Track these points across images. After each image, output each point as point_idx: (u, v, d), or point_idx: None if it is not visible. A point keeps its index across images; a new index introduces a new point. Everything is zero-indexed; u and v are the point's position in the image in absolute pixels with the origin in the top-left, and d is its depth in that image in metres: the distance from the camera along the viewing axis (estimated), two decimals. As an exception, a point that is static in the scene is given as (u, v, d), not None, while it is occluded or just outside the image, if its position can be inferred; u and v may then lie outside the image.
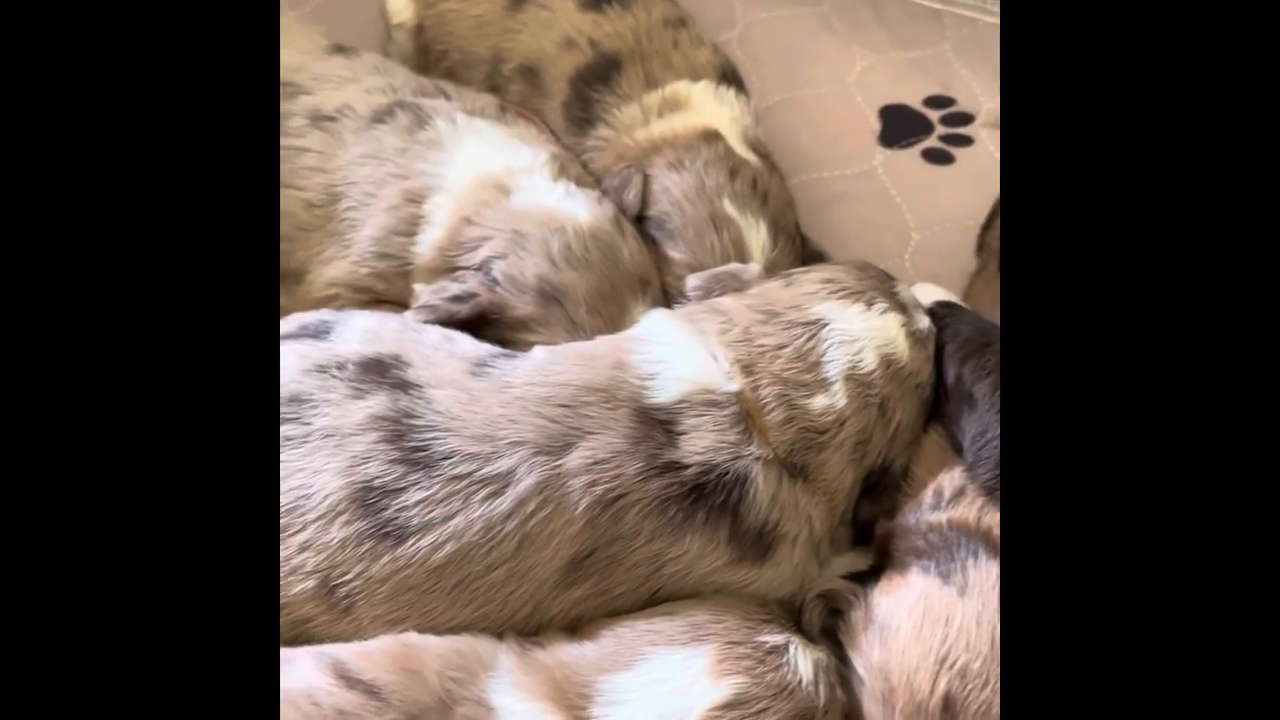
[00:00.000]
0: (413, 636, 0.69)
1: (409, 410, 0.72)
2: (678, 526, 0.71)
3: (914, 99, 1.22)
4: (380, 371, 0.74)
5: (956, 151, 1.17)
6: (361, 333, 0.78)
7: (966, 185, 1.14)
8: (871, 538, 0.81)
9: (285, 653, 0.68)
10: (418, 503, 0.70)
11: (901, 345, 0.80)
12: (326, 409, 0.72)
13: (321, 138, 0.94)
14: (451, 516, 0.69)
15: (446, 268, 0.89)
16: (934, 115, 1.21)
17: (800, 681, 0.68)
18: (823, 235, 1.08)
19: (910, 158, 1.17)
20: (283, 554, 0.70)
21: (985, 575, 0.67)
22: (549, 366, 0.75)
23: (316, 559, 0.70)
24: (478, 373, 0.75)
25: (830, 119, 1.22)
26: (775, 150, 1.06)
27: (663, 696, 0.65)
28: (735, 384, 0.75)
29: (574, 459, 0.70)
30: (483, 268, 0.87)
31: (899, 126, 1.20)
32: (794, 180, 1.11)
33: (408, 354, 0.76)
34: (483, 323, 0.85)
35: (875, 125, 1.21)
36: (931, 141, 1.18)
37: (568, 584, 0.71)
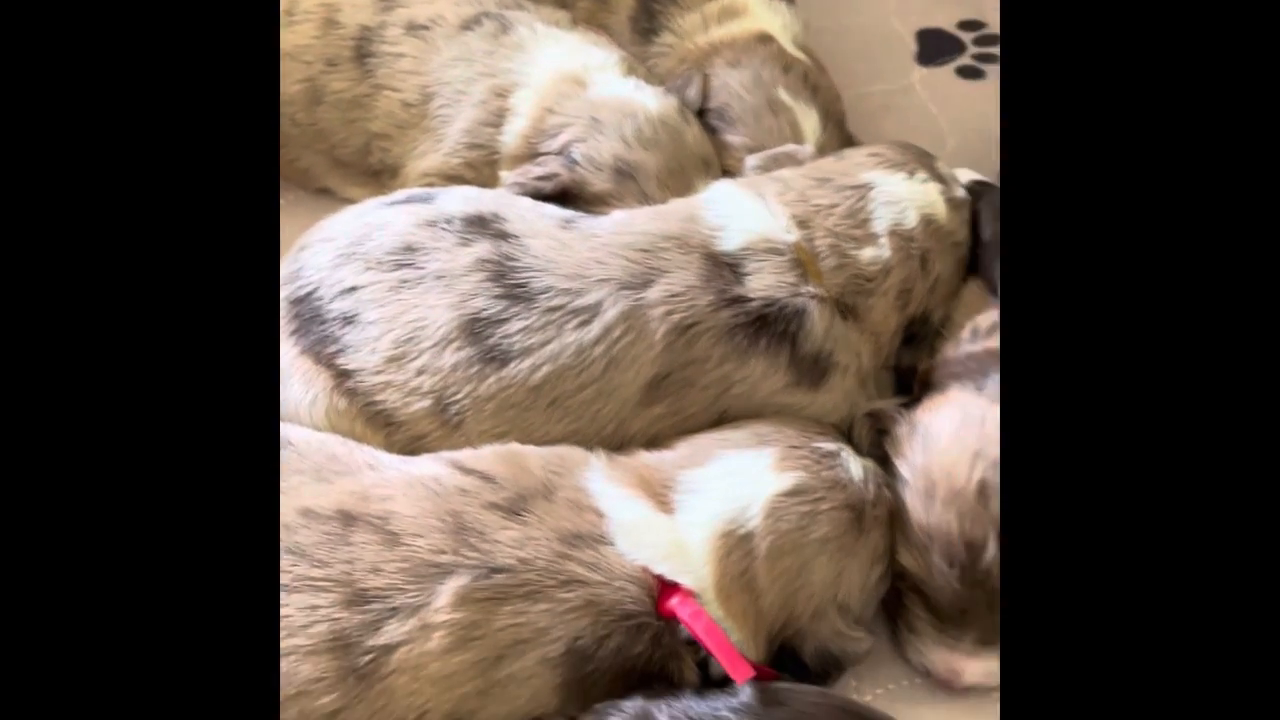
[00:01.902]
0: (516, 445, 0.79)
1: (509, 254, 0.83)
2: (744, 351, 0.81)
3: (948, 23, 1.32)
4: (482, 225, 0.85)
5: (987, 68, 1.26)
6: (463, 198, 0.89)
7: (995, 98, 1.23)
8: (913, 388, 0.91)
9: (407, 458, 0.79)
10: (518, 331, 0.80)
11: (940, 208, 0.90)
12: (438, 255, 0.83)
13: (416, 44, 1.05)
14: (548, 342, 0.80)
15: (530, 154, 1.00)
16: (966, 37, 1.30)
17: (852, 479, 0.78)
18: (867, 142, 1.18)
19: (945, 74, 1.27)
20: (401, 378, 0.81)
21: (1015, 386, 0.77)
22: (629, 220, 0.86)
23: (431, 381, 0.81)
24: (567, 226, 0.86)
25: (871, 42, 1.31)
26: (824, 70, 1.16)
27: (733, 485, 0.76)
28: (793, 236, 0.85)
29: (653, 292, 0.81)
30: (563, 151, 0.97)
31: (934, 47, 1.29)
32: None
33: (505, 212, 0.86)
34: (564, 199, 0.96)
35: (913, 47, 1.30)
36: (964, 60, 1.27)
37: (647, 403, 0.81)
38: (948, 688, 0.80)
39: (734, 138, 1.02)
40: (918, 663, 0.81)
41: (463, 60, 1.03)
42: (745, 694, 0.67)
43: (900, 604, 0.82)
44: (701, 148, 0.99)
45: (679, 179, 0.96)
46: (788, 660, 0.76)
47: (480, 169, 1.02)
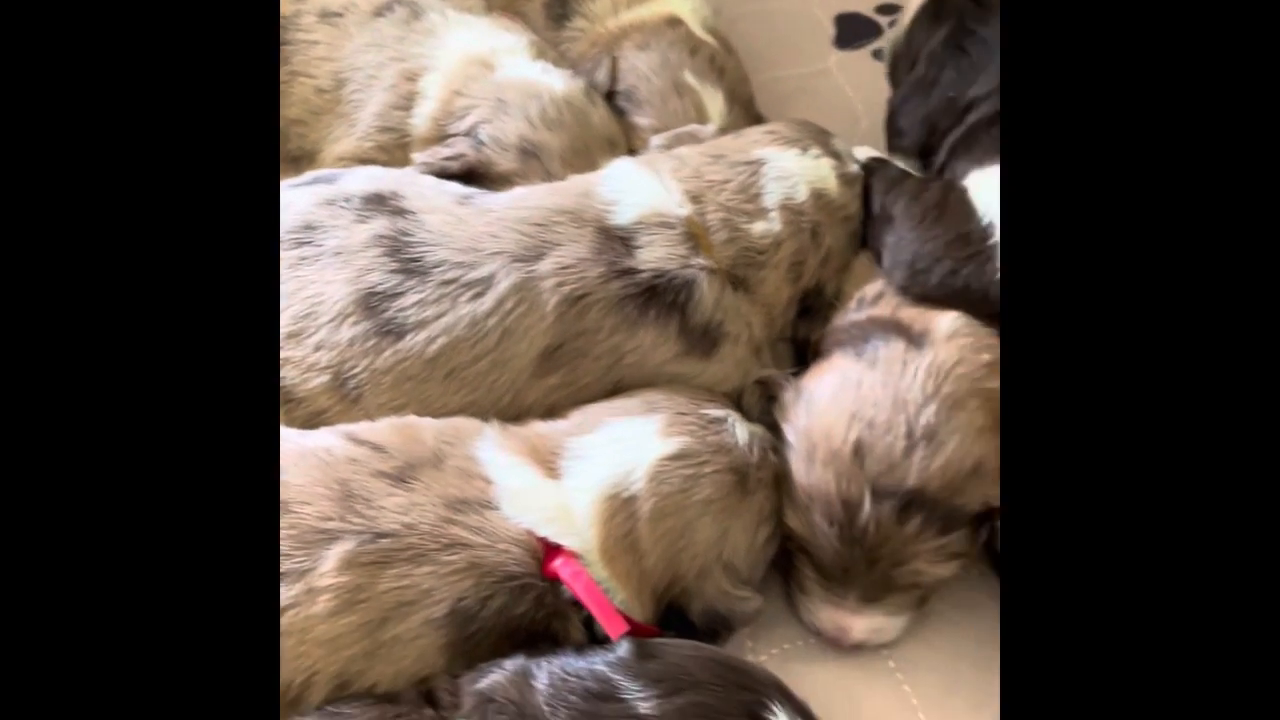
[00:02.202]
0: (412, 417, 0.81)
1: (405, 230, 0.84)
2: (634, 322, 0.83)
3: (866, 7, 1.35)
4: (380, 202, 0.86)
5: (903, 51, 1.29)
6: (365, 177, 0.90)
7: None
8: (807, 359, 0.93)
9: (305, 432, 0.81)
10: (413, 304, 0.82)
11: (832, 183, 0.92)
12: (336, 232, 0.85)
13: (329, 31, 1.06)
14: (442, 315, 0.82)
15: (440, 137, 1.01)
16: (883, 20, 1.33)
17: (737, 443, 0.80)
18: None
19: (861, 57, 1.30)
20: (299, 354, 0.83)
21: (893, 352, 0.79)
22: (525, 195, 0.88)
23: (329, 356, 0.82)
24: (464, 202, 0.87)
25: (790, 28, 1.34)
26: (739, 54, 1.18)
27: (619, 450, 0.78)
28: (685, 210, 0.87)
29: (545, 265, 0.83)
30: (470, 132, 0.99)
31: (852, 31, 1.32)
32: (757, 79, 1.22)
33: (404, 190, 0.88)
34: (471, 179, 0.98)
35: (831, 31, 1.33)
36: (880, 43, 1.30)
37: (542, 373, 0.83)
38: (837, 645, 0.83)
39: (641, 119, 1.04)
40: (809, 622, 0.84)
41: (374, 46, 1.05)
42: (622, 648, 0.68)
43: (791, 565, 0.84)
44: (607, 128, 1.01)
45: (584, 159, 0.98)
46: (676, 620, 0.78)
47: (392, 152, 1.04)
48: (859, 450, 0.76)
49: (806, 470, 0.78)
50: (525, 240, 0.84)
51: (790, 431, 0.81)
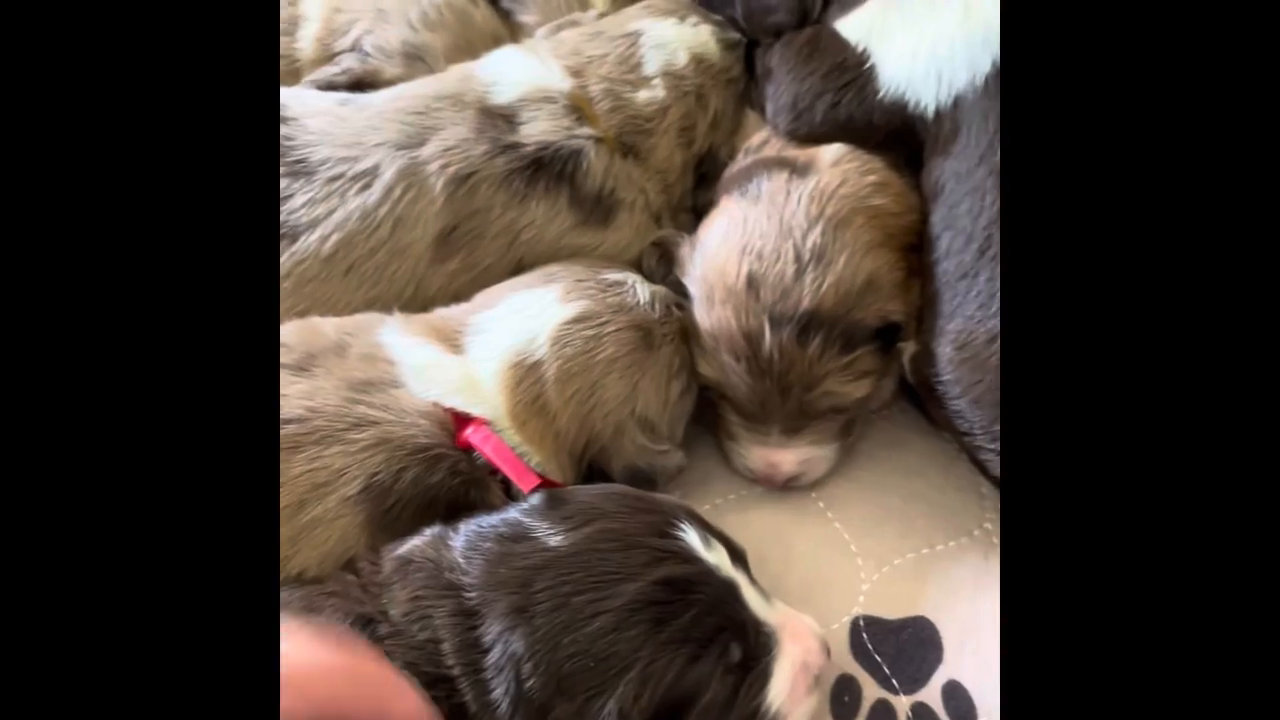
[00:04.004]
0: (315, 317, 0.81)
1: (287, 135, 0.84)
2: (523, 196, 0.84)
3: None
4: (262, 114, 0.87)
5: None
6: (247, 95, 0.90)
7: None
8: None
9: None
10: (303, 204, 0.82)
11: (712, 47, 0.93)
12: (220, 147, 0.85)
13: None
14: (333, 212, 0.82)
15: (327, 57, 1.01)
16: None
17: (639, 302, 0.80)
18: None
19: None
20: (200, 271, 0.83)
21: (776, 184, 0.79)
22: (405, 88, 0.89)
23: (228, 268, 0.83)
24: (345, 103, 0.88)
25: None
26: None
27: (521, 320, 0.78)
28: (567, 85, 0.88)
29: (428, 149, 0.83)
30: (355, 47, 0.99)
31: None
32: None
33: (285, 100, 0.88)
34: (362, 90, 0.98)
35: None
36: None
37: (441, 259, 0.84)
38: (771, 484, 0.84)
39: (527, 17, 1.04)
40: (741, 467, 0.85)
41: (251, -23, 1.05)
42: (534, 499, 0.69)
43: (717, 416, 0.85)
44: (491, 26, 1.01)
45: (470, 57, 0.97)
46: (599, 481, 0.79)
47: (284, 79, 1.04)
48: (752, 282, 0.76)
49: (708, 313, 0.79)
50: (407, 129, 0.84)
51: (690, 283, 0.81)
